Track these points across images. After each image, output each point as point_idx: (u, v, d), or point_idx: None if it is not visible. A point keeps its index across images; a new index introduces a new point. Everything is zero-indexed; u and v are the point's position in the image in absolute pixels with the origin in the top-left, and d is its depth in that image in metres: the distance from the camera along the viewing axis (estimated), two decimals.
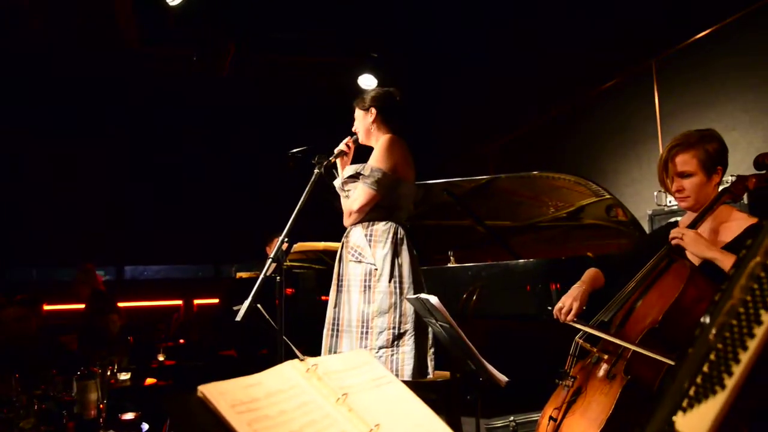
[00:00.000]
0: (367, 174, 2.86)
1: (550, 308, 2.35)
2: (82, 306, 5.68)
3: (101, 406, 2.52)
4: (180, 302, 7.31)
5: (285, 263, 2.56)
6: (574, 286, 2.34)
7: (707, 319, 0.89)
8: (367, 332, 2.75)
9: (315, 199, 2.90)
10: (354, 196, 2.88)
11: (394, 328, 2.75)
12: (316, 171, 2.81)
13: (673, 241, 2.06)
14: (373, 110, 3.02)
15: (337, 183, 3.04)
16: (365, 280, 2.81)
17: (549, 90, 6.32)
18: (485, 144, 7.26)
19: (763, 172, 2.04)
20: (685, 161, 2.14)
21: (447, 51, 7.77)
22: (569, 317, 2.21)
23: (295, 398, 1.19)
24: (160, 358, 5.16)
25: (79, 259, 6.48)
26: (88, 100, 8.01)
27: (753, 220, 2.10)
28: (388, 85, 3.26)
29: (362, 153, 3.11)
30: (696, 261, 2.16)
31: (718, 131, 2.22)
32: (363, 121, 3.05)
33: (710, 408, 0.76)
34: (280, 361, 1.29)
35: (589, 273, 2.40)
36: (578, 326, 2.16)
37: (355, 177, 2.93)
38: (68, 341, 5.09)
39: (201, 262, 9.32)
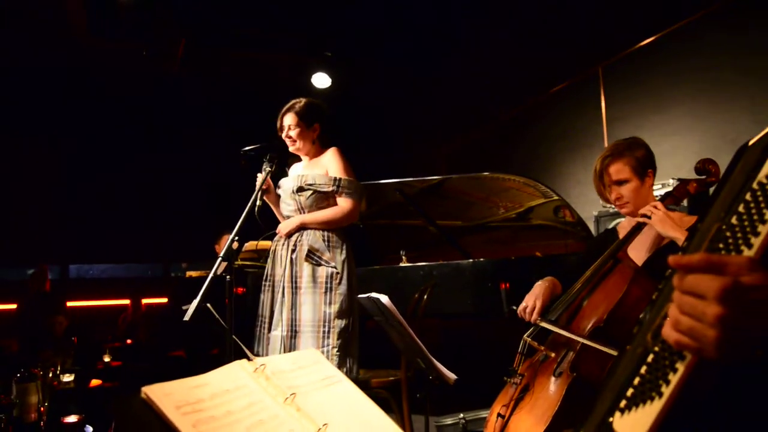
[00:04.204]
0: (345, 186, 3.00)
1: (514, 308, 2.36)
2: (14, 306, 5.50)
3: (42, 409, 2.43)
4: (128, 301, 7.11)
5: (236, 262, 2.53)
6: (538, 283, 2.35)
7: (646, 316, 0.90)
8: (329, 331, 2.85)
9: (261, 194, 2.92)
10: (346, 208, 3.00)
11: (350, 328, 2.90)
12: (267, 170, 2.87)
13: (642, 218, 2.11)
14: (317, 126, 3.14)
15: (288, 188, 3.07)
16: (326, 282, 2.90)
17: (499, 94, 6.41)
18: (437, 146, 7.32)
19: (703, 177, 2.13)
20: (618, 170, 2.21)
21: (399, 54, 7.80)
22: (534, 317, 2.21)
23: (243, 398, 1.17)
24: (106, 359, 5.01)
25: (24, 258, 6.27)
26: (33, 95, 7.73)
27: (693, 219, 2.17)
28: (342, 85, 3.31)
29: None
30: (641, 259, 2.22)
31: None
32: (306, 133, 3.12)
33: (647, 414, 0.77)
34: (230, 362, 1.27)
35: (550, 280, 2.42)
36: (546, 326, 2.14)
37: (322, 186, 3.01)
38: (8, 343, 4.91)
39: (150, 261, 9.10)
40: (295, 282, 2.93)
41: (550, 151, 5.81)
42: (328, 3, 6.71)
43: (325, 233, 2.98)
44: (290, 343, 2.89)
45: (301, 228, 3.00)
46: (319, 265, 2.92)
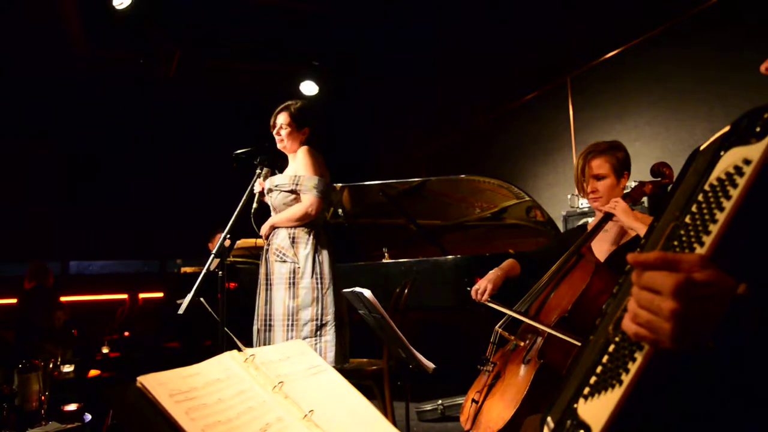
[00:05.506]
0: (303, 183, 2.96)
1: (468, 288, 2.40)
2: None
3: (43, 398, 2.40)
4: (125, 296, 7.05)
5: (228, 259, 2.52)
6: (491, 271, 2.41)
7: (607, 309, 0.91)
8: (293, 324, 2.86)
9: (257, 197, 2.93)
10: (306, 204, 2.95)
11: (316, 319, 2.88)
12: (257, 171, 2.88)
13: (606, 209, 2.15)
14: (307, 130, 3.14)
15: (270, 184, 3.07)
16: (290, 278, 2.91)
17: (476, 102, 6.44)
18: (418, 150, 7.33)
19: (658, 179, 2.16)
20: (599, 165, 2.24)
21: (383, 64, 7.81)
22: (483, 297, 2.28)
23: (233, 387, 1.16)
24: (105, 350, 4.97)
25: (27, 254, 6.18)
26: (35, 100, 7.65)
27: (649, 219, 2.20)
28: (328, 92, 3.30)
29: None
30: (603, 255, 2.25)
31: (623, 141, 2.32)
32: (295, 135, 3.11)
33: (609, 400, 0.78)
34: (222, 352, 1.26)
35: (507, 262, 2.48)
36: (492, 306, 2.23)
37: (283, 186, 3.00)
38: (9, 335, 4.85)
39: (146, 258, 9.03)
40: (269, 279, 2.97)
41: (523, 155, 5.84)
42: (312, 17, 6.71)
43: (291, 230, 2.97)
44: (266, 336, 2.92)
45: (274, 228, 3.03)
46: (284, 261, 2.93)
